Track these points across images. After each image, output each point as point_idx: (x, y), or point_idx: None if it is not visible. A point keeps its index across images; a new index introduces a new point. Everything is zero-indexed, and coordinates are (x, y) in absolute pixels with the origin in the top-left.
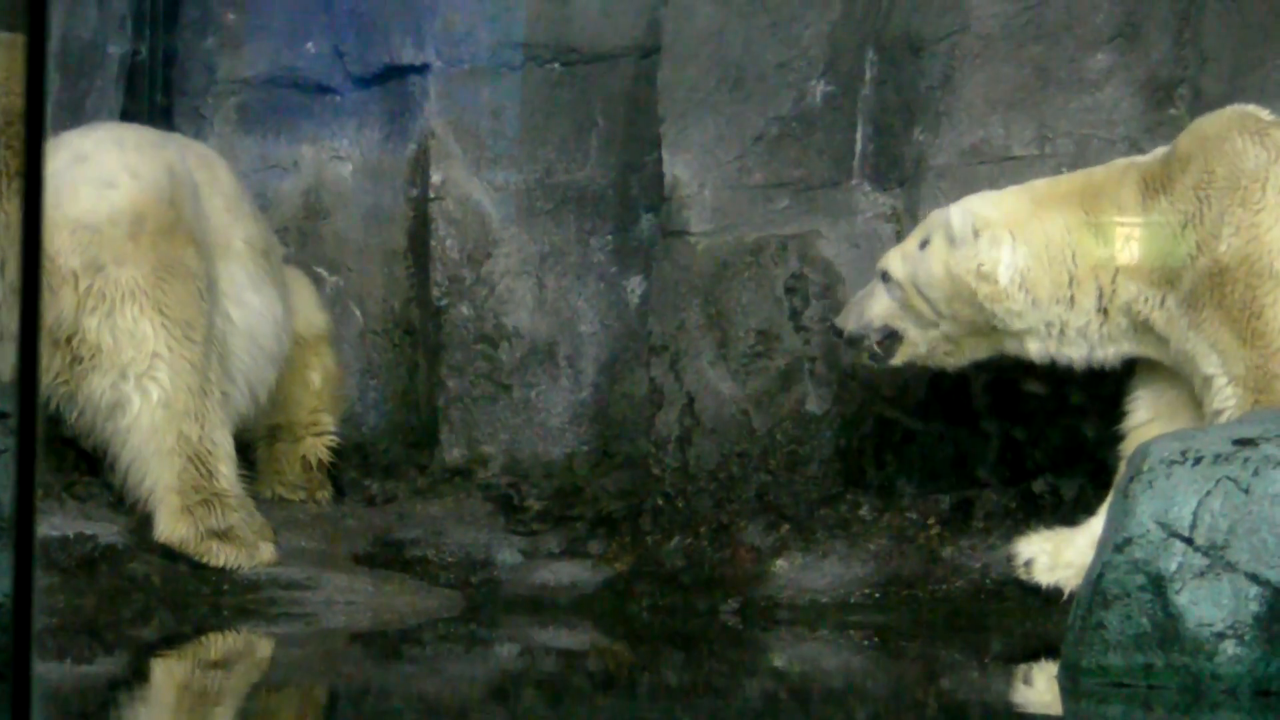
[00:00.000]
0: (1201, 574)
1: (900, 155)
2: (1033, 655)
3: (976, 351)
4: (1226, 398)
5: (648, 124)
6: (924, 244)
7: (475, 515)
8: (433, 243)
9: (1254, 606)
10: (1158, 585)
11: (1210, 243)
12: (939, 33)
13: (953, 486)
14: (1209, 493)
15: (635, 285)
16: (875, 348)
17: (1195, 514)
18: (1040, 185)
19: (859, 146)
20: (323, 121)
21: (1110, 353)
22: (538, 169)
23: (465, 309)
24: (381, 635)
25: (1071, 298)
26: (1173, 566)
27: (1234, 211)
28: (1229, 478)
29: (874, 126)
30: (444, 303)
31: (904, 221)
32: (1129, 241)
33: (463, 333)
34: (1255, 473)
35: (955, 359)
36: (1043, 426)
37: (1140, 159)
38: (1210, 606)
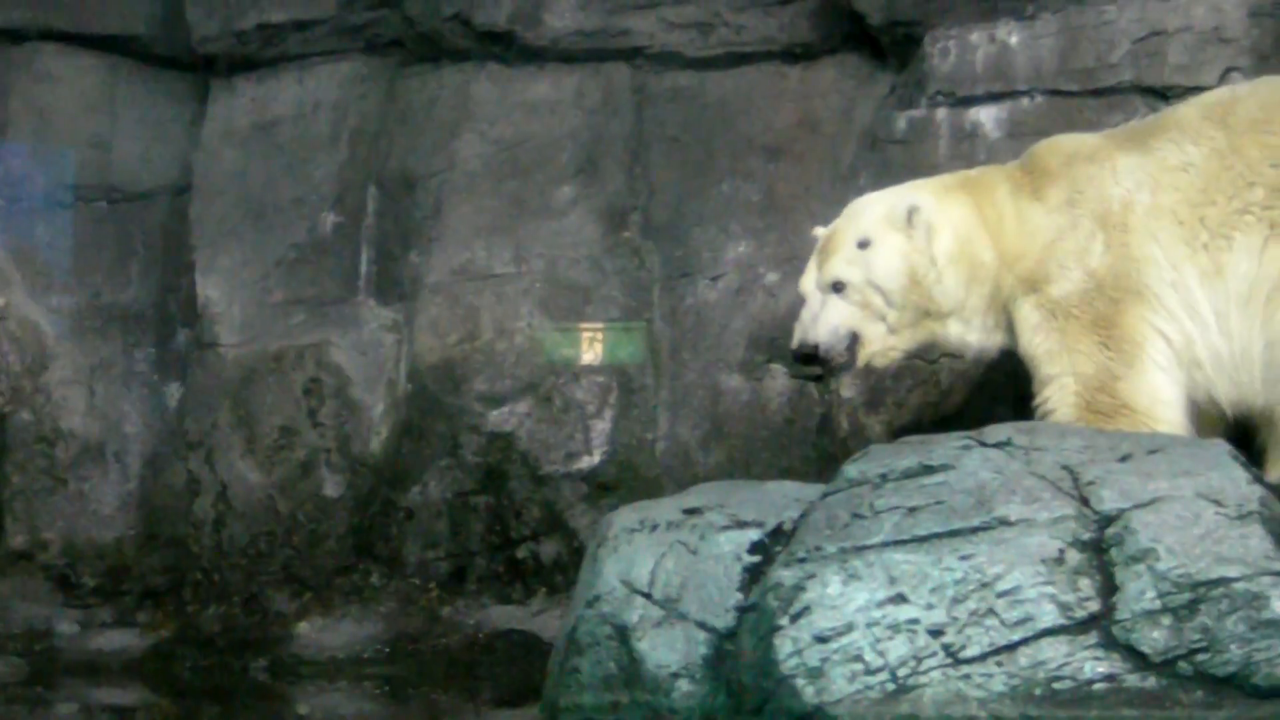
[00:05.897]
0: (659, 624)
1: (400, 275)
2: (519, 698)
3: (912, 341)
4: (1068, 394)
5: (182, 251)
6: (863, 244)
7: (37, 592)
8: None
9: (702, 650)
10: (622, 634)
11: (1084, 257)
12: (430, 170)
13: (449, 555)
14: (664, 554)
15: (174, 390)
16: (845, 354)
17: (653, 573)
18: (941, 180)
19: (364, 268)
20: None
21: (995, 342)
22: (87, 292)
23: (26, 414)
24: None
25: (980, 282)
26: (634, 618)
27: (1109, 231)
28: (680, 541)
29: (376, 250)
30: (7, 409)
31: (403, 331)
32: (1012, 239)
33: (24, 435)
34: (701, 537)
35: (894, 355)
36: (524, 500)
37: (999, 168)
38: (666, 651)
